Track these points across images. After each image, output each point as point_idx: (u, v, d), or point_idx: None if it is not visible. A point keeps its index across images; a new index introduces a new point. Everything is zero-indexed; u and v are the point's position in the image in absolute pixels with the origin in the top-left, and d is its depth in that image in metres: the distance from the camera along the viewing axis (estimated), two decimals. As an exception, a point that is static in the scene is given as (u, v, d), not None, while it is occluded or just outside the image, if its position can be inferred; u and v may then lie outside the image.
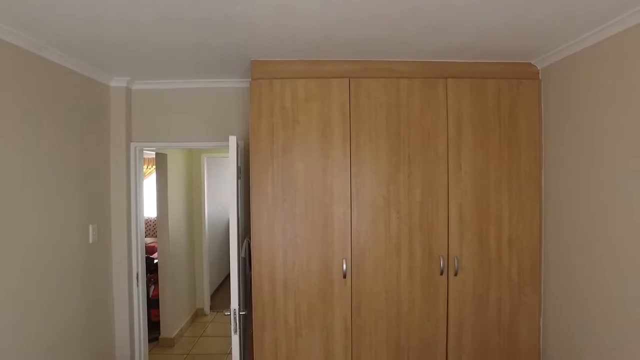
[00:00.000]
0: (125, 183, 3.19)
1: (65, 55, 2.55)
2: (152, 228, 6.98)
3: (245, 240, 3.00)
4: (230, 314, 2.52)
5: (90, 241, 2.88)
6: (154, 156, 4.90)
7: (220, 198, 6.60)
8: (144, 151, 3.44)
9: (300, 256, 2.67)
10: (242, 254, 2.86)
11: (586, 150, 2.31)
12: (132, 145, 3.25)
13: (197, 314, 5.40)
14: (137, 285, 3.30)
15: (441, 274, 2.70)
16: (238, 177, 2.73)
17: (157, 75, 3.11)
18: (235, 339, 2.52)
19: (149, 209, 6.66)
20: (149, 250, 4.98)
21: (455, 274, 2.70)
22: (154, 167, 7.08)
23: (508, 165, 2.70)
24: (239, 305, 2.54)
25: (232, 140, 2.54)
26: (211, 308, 5.61)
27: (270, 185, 2.65)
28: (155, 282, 4.74)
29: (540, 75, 2.75)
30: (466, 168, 2.69)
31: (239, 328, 2.55)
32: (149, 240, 6.17)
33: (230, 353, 4.26)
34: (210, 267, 5.66)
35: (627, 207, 2.02)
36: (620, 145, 2.06)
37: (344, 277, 2.67)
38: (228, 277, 6.94)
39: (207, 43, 2.43)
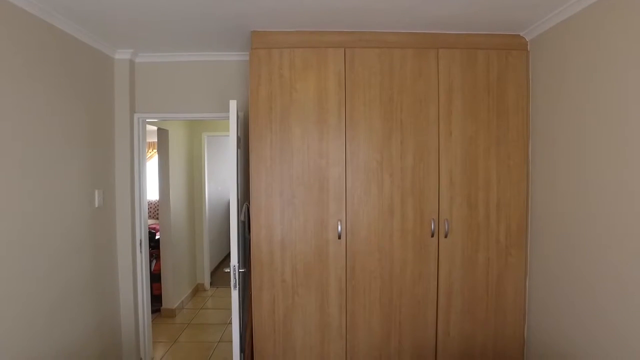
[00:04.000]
0: (129, 152, 3.31)
1: (71, 24, 2.66)
2: (154, 210, 7.09)
3: (244, 205, 3.13)
4: (230, 271, 2.65)
5: (96, 205, 3.01)
6: (156, 139, 5.03)
7: (221, 178, 6.73)
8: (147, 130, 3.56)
9: (297, 217, 2.79)
10: (242, 218, 2.99)
11: (571, 118, 2.42)
12: (136, 116, 3.37)
13: (198, 289, 5.55)
14: (141, 251, 3.43)
15: (432, 236, 2.82)
16: (238, 147, 2.84)
17: (160, 47, 3.21)
18: (234, 294, 2.64)
19: (151, 192, 6.80)
20: (150, 229, 5.10)
21: (446, 236, 2.83)
22: (155, 150, 7.21)
23: (496, 132, 2.82)
24: (238, 263, 2.67)
25: (233, 105, 2.66)
26: (211, 284, 5.75)
27: (268, 149, 2.77)
28: (157, 257, 4.88)
29: (528, 47, 2.86)
30: (456, 134, 2.80)
31: (239, 285, 2.68)
32: (150, 222, 6.29)
33: (230, 323, 4.41)
34: (210, 245, 5.79)
35: (611, 170, 2.11)
36: (604, 111, 2.16)
37: (339, 238, 2.79)
38: (228, 255, 7.09)
39: (209, 14, 2.54)
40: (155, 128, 4.71)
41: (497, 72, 2.83)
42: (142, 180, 3.42)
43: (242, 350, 2.93)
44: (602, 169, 2.17)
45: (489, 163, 2.83)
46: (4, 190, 2.18)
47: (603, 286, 2.16)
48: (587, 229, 2.28)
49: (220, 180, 6.77)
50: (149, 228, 4.82)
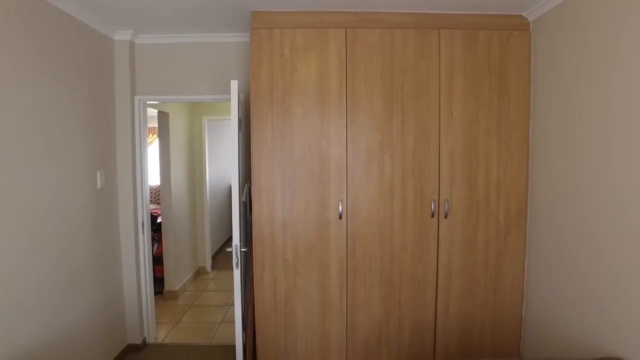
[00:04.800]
0: (129, 135, 3.31)
1: (71, 3, 2.63)
2: (155, 195, 7.12)
3: (245, 186, 3.14)
4: (232, 250, 2.67)
5: (99, 186, 3.02)
6: (156, 125, 5.01)
7: (221, 162, 6.74)
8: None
9: (298, 198, 2.81)
10: (243, 198, 3.01)
11: (572, 99, 2.41)
12: (137, 98, 3.36)
13: (199, 272, 5.60)
14: (143, 233, 3.45)
15: (432, 216, 2.84)
16: (239, 129, 2.85)
17: (160, 29, 3.20)
18: (236, 273, 2.67)
19: (152, 178, 6.80)
20: (152, 213, 5.11)
21: (446, 217, 2.85)
22: (156, 136, 7.20)
23: (497, 112, 2.82)
24: (240, 242, 2.70)
25: (234, 84, 2.66)
26: (212, 267, 5.80)
27: (269, 129, 2.78)
28: (159, 241, 4.91)
29: (530, 27, 2.84)
30: (457, 115, 2.80)
31: (240, 264, 2.71)
32: (152, 207, 6.30)
33: (232, 304, 4.47)
34: (211, 229, 5.82)
35: (610, 151, 2.11)
36: (604, 92, 2.16)
37: (340, 218, 2.81)
38: (228, 240, 7.13)
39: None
40: (155, 113, 4.70)
41: (498, 52, 2.81)
42: (144, 162, 3.43)
43: (244, 329, 2.98)
44: (604, 148, 2.17)
45: (489, 144, 2.83)
46: (21, 175, 2.23)
47: (607, 273, 2.18)
48: (590, 209, 2.29)
49: (221, 165, 6.78)
50: (151, 212, 4.85)
